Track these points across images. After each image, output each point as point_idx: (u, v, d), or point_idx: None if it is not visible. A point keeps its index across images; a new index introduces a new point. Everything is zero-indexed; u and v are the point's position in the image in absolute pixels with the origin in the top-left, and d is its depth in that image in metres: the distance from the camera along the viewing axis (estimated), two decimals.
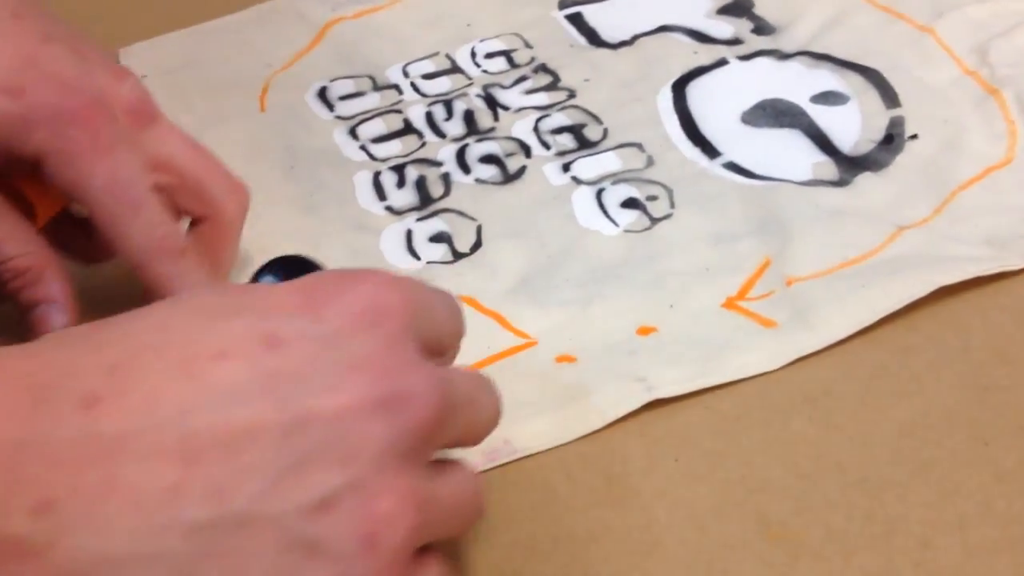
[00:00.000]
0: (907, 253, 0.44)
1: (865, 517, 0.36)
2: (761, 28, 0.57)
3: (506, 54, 0.57)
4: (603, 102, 0.53)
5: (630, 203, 0.48)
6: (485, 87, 0.55)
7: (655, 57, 0.56)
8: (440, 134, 0.52)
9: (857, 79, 0.53)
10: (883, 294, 0.42)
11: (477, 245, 0.47)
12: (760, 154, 0.50)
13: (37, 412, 0.26)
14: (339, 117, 0.54)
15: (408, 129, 0.53)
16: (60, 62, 0.39)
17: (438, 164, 0.51)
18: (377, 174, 0.51)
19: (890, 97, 0.52)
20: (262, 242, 0.45)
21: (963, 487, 0.36)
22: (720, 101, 0.53)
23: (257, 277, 0.38)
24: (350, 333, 0.29)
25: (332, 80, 0.56)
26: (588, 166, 0.50)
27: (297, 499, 0.26)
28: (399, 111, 0.54)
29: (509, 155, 0.51)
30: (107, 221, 0.39)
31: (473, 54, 0.57)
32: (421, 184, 0.50)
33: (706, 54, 0.55)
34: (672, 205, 0.47)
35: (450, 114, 0.53)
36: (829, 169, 0.48)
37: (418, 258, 0.46)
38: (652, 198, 0.48)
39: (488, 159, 0.51)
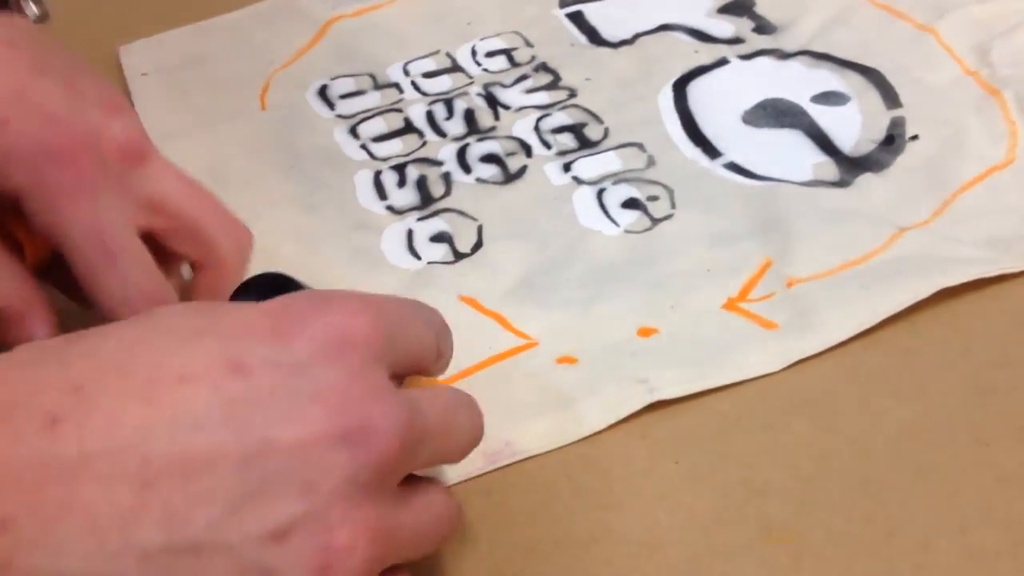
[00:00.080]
0: (908, 254, 0.44)
1: (866, 519, 0.36)
2: (762, 27, 0.57)
3: (507, 53, 0.57)
4: (604, 101, 0.53)
5: (631, 203, 0.48)
6: (486, 86, 0.55)
7: (656, 56, 0.56)
8: (441, 133, 0.52)
9: (858, 79, 0.53)
10: (884, 296, 0.42)
11: (478, 245, 0.47)
12: (761, 154, 0.50)
13: None
14: (340, 116, 0.54)
15: (409, 128, 0.53)
16: (50, 96, 0.37)
17: (439, 163, 0.51)
18: (378, 173, 0.51)
19: (891, 97, 0.52)
20: (262, 242, 0.44)
21: (964, 490, 0.36)
22: (721, 101, 0.53)
23: (236, 296, 0.37)
24: (316, 362, 0.28)
25: (333, 78, 0.56)
26: (589, 166, 0.50)
27: (253, 527, 0.27)
28: (400, 110, 0.54)
29: (510, 154, 0.51)
30: (83, 268, 0.37)
31: (474, 52, 0.57)
32: (422, 183, 0.50)
33: (707, 53, 0.55)
34: (673, 205, 0.47)
35: (451, 113, 0.53)
36: (830, 169, 0.48)
37: (419, 258, 0.46)
38: (653, 198, 0.48)
39: (489, 158, 0.51)
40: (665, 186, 0.48)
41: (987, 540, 0.35)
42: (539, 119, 0.52)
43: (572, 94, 0.54)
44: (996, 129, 0.49)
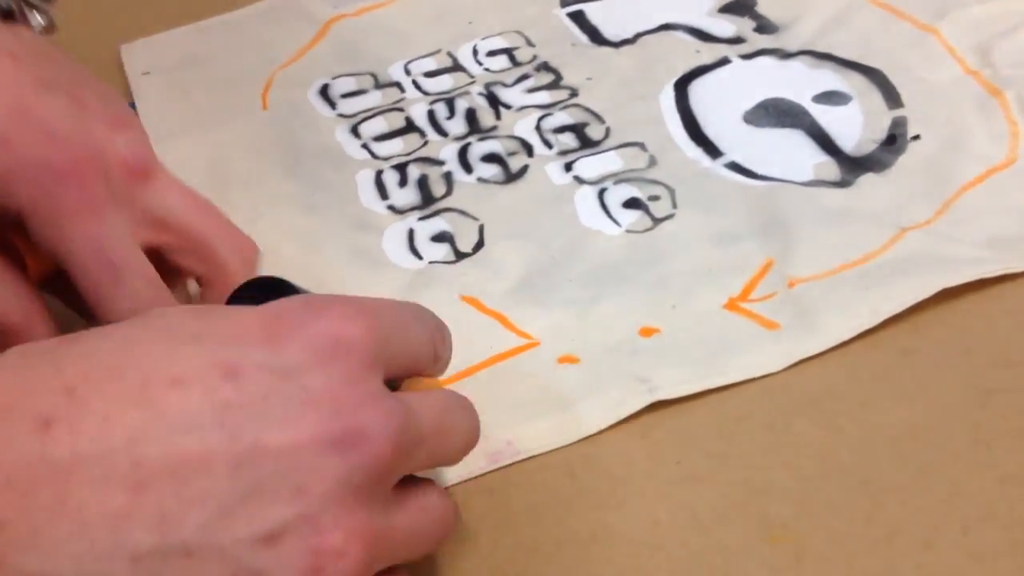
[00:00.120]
0: (909, 255, 0.44)
1: (867, 519, 0.36)
2: (763, 27, 0.57)
3: (508, 52, 0.57)
4: (605, 101, 0.53)
5: (632, 203, 0.48)
6: (487, 85, 0.55)
7: (657, 56, 0.56)
8: (442, 133, 0.52)
9: (859, 79, 0.53)
10: (885, 296, 0.42)
11: (479, 245, 0.47)
12: (762, 154, 0.50)
13: None
14: (341, 115, 0.54)
15: (410, 127, 0.53)
16: (54, 112, 0.37)
17: (440, 163, 0.51)
18: (379, 173, 0.51)
19: (892, 97, 0.52)
20: (263, 241, 0.44)
21: (965, 490, 0.36)
22: (722, 100, 0.53)
23: (232, 299, 0.37)
24: (309, 367, 0.29)
25: (334, 77, 0.56)
26: (590, 166, 0.50)
27: (244, 530, 0.27)
28: (401, 109, 0.54)
29: (511, 154, 0.51)
30: (88, 288, 0.37)
31: (475, 52, 0.57)
32: (423, 183, 0.50)
33: (708, 53, 0.55)
34: (674, 205, 0.47)
35: (452, 112, 0.53)
36: (831, 169, 0.48)
37: (420, 257, 0.46)
38: (654, 198, 0.48)
39: (490, 158, 0.51)
40: (666, 186, 0.48)
41: (988, 540, 0.35)
42: (540, 119, 0.52)
43: (573, 94, 0.54)
44: (997, 129, 0.49)
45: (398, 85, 0.55)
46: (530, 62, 0.56)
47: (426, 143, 0.52)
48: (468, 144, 0.52)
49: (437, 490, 0.32)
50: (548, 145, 0.51)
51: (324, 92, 0.55)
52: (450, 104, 0.54)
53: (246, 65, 0.57)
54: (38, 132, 0.36)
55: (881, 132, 0.50)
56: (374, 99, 0.55)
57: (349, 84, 0.56)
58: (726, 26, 0.57)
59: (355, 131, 0.53)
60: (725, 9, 0.58)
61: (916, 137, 0.50)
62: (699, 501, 0.37)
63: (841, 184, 0.48)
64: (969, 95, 0.51)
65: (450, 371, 0.36)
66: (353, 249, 0.47)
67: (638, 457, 0.38)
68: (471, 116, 0.53)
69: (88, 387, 0.27)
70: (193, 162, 0.51)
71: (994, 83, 0.51)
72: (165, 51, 0.58)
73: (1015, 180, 0.47)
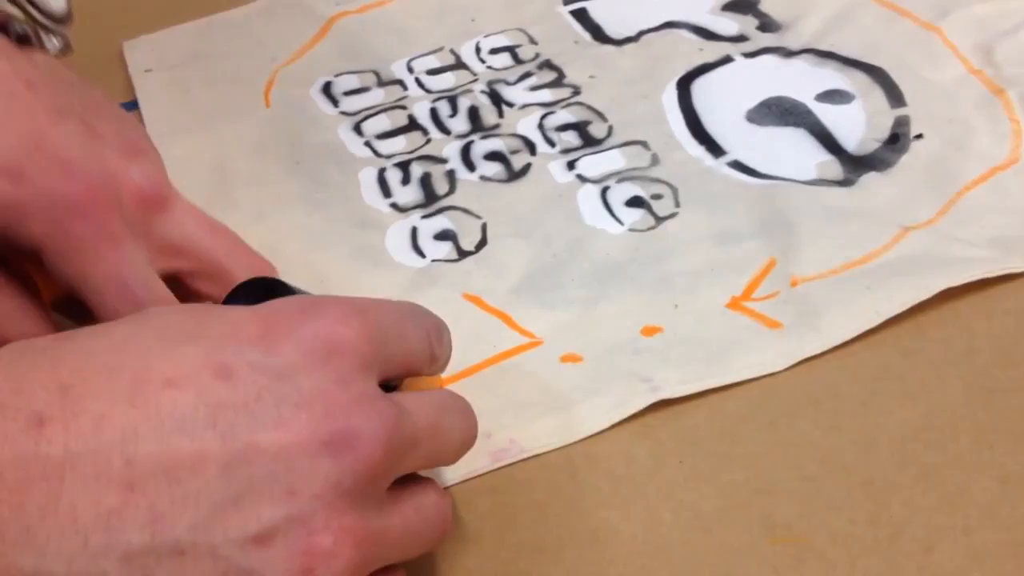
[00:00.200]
0: (912, 254, 0.44)
1: (869, 520, 0.36)
2: (766, 25, 0.57)
3: (511, 50, 0.57)
4: (608, 99, 0.53)
5: (635, 202, 0.48)
6: (490, 83, 0.55)
7: (660, 54, 0.56)
8: (445, 131, 0.52)
9: (862, 78, 0.53)
10: (888, 296, 0.42)
11: (482, 243, 0.47)
12: (765, 153, 0.50)
13: None
14: (344, 113, 0.54)
15: (413, 125, 0.53)
16: (68, 142, 0.36)
17: (443, 161, 0.51)
18: (382, 171, 0.51)
19: (895, 96, 0.52)
20: (266, 240, 0.44)
21: (968, 490, 0.36)
22: (725, 99, 0.53)
23: (228, 299, 0.37)
24: (302, 368, 0.29)
25: (337, 75, 0.56)
26: (593, 164, 0.50)
27: (235, 531, 0.27)
28: (404, 107, 0.54)
29: (514, 152, 0.51)
30: (107, 316, 0.37)
31: (478, 49, 0.57)
32: (426, 181, 0.50)
33: (711, 51, 0.55)
34: (677, 204, 0.47)
35: (455, 110, 0.53)
36: (834, 168, 0.48)
37: (423, 256, 0.46)
38: (657, 197, 0.48)
39: (493, 156, 0.51)
40: (669, 184, 0.48)
41: (990, 541, 0.35)
42: (543, 117, 0.52)
43: (576, 92, 0.54)
44: (1000, 128, 0.49)
45: (401, 83, 0.55)
46: (533, 60, 0.56)
47: (429, 141, 0.52)
48: (471, 142, 0.51)
49: (435, 489, 0.32)
50: (551, 143, 0.51)
51: (327, 90, 0.55)
52: (453, 102, 0.54)
53: (249, 62, 0.57)
54: (53, 165, 0.36)
55: (884, 131, 0.50)
56: (377, 97, 0.55)
57: (352, 82, 0.55)
58: (729, 24, 0.57)
59: (358, 129, 0.53)
60: (728, 7, 0.58)
61: (919, 136, 0.50)
62: (702, 500, 0.37)
63: (844, 183, 0.48)
64: (972, 94, 0.51)
65: (452, 370, 0.36)
66: (356, 247, 0.47)
67: (641, 456, 0.38)
68: (474, 114, 0.53)
69: (82, 385, 0.27)
70: (195, 160, 0.51)
71: (997, 82, 0.51)
72: (168, 48, 0.58)
73: (1017, 179, 0.47)
